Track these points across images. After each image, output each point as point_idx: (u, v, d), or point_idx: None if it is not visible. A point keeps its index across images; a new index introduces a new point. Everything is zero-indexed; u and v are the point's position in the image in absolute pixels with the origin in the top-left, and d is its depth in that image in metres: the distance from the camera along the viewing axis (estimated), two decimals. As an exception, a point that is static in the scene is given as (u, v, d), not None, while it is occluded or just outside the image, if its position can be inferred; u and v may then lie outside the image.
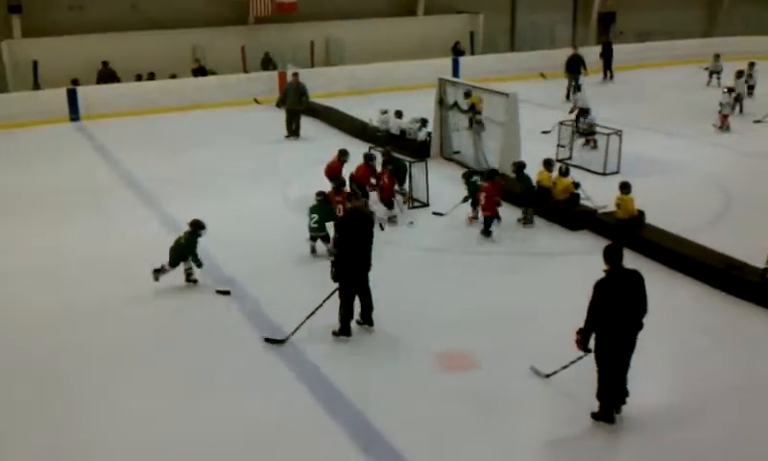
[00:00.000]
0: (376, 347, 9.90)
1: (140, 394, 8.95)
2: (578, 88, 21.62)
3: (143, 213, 15.18)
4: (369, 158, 14.71)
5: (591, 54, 28.36)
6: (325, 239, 12.61)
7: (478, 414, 8.44)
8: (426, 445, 7.94)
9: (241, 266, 12.25)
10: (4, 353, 9.93)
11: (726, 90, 21.51)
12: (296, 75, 21.79)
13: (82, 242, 13.66)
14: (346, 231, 9.93)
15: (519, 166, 14.31)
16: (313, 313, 9.99)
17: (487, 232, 13.33)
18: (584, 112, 19.23)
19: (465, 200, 14.20)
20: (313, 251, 12.69)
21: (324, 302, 10.01)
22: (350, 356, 9.66)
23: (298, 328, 9.97)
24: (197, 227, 11.59)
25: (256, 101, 25.30)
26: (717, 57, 27.37)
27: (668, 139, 19.96)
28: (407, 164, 14.99)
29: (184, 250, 11.53)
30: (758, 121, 21.41)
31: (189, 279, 11.69)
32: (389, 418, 8.31)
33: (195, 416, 8.50)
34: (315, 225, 12.55)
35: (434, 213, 14.37)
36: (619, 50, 31.73)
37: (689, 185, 16.21)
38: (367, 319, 10.24)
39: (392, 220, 14.10)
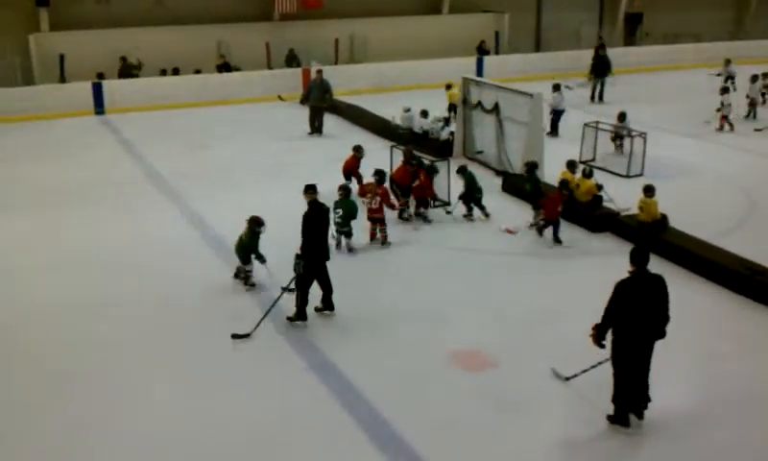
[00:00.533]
0: (395, 344, 9.88)
1: (155, 389, 8.99)
2: (557, 88, 20.71)
3: (165, 207, 15.25)
4: (409, 158, 14.62)
5: (618, 55, 28.17)
6: (348, 235, 12.65)
7: (495, 414, 8.42)
8: (443, 443, 7.92)
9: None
10: (19, 346, 10.03)
11: (723, 91, 21.51)
12: (320, 72, 21.82)
13: (103, 235, 13.73)
14: (311, 224, 10.22)
15: (531, 166, 14.38)
16: (272, 306, 10.33)
17: (557, 239, 13.02)
18: (557, 114, 19.00)
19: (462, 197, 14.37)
20: (338, 245, 12.75)
21: (282, 294, 10.49)
22: (368, 354, 9.64)
23: (260, 323, 10.11)
24: (255, 223, 11.53)
25: (280, 98, 25.33)
26: (728, 61, 26.94)
27: (693, 142, 19.80)
28: (434, 164, 14.93)
29: (248, 247, 11.50)
30: (759, 130, 21.05)
31: (247, 282, 11.59)
32: (406, 416, 8.30)
33: (204, 409, 8.53)
34: (339, 220, 12.61)
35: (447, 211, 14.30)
36: (646, 51, 31.60)
37: (714, 189, 16.07)
38: (328, 304, 10.53)
39: (426, 220, 14.10)
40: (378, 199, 13.07)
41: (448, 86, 20.50)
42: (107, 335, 10.22)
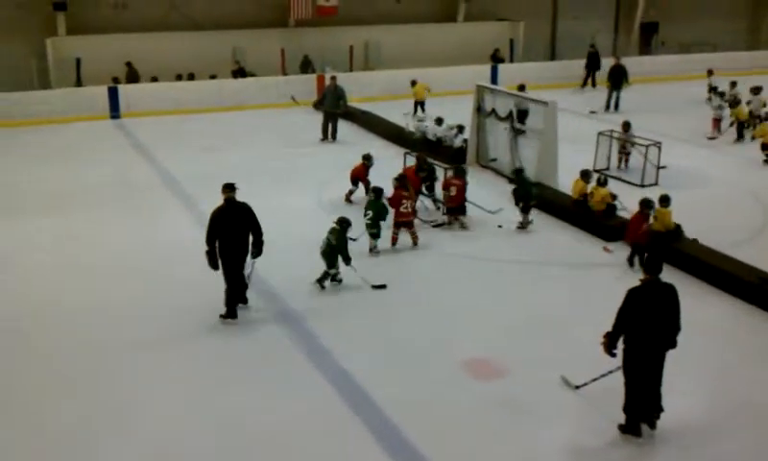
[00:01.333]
0: (405, 350, 9.88)
1: (162, 390, 9.02)
2: (522, 88, 20.76)
3: (179, 211, 15.32)
4: (422, 164, 14.93)
5: (633, 64, 28.12)
6: (375, 236, 12.80)
7: (505, 422, 8.40)
8: (452, 450, 7.91)
9: (275, 266, 12.27)
10: (27, 347, 10.09)
11: (710, 96, 21.87)
12: (334, 78, 21.85)
13: (117, 238, 13.80)
14: (222, 221, 10.43)
15: (518, 171, 14.89)
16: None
17: (631, 262, 12.40)
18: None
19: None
20: (372, 249, 12.93)
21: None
22: (380, 360, 9.64)
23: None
24: (344, 223, 11.66)
25: (293, 99, 25.22)
26: (710, 73, 26.47)
27: (707, 152, 19.71)
28: (444, 170, 14.96)
29: (337, 249, 11.52)
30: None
31: (335, 278, 11.70)
32: (415, 421, 8.30)
33: (212, 411, 8.54)
34: (369, 221, 12.75)
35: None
36: (661, 61, 31.48)
37: (728, 199, 15.99)
38: (241, 299, 10.78)
39: (463, 226, 14.10)
40: (411, 203, 13.17)
41: (413, 83, 20.68)
42: (117, 337, 10.26)
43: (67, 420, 8.47)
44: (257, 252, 10.61)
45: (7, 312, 11.02)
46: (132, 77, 26.01)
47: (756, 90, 22.08)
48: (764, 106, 21.99)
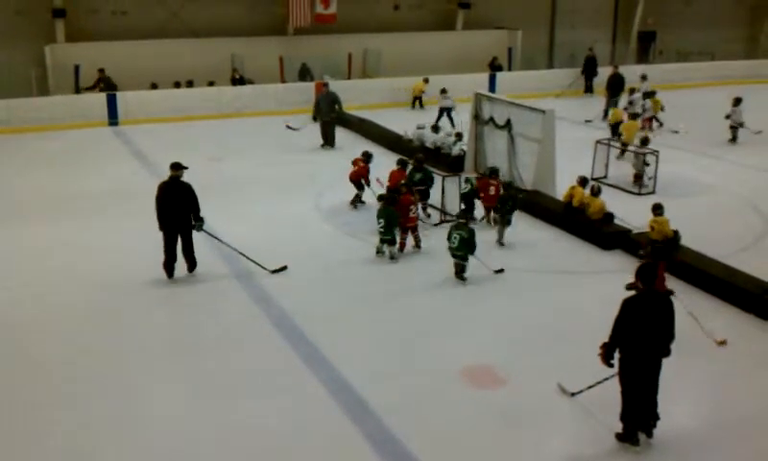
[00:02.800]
0: (405, 358, 9.88)
1: (158, 398, 9.01)
2: (443, 91, 21.87)
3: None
4: (420, 164, 15.06)
5: (631, 73, 28.21)
6: (391, 243, 12.84)
7: (503, 430, 8.39)
8: (450, 459, 7.89)
9: (275, 274, 12.29)
10: (26, 355, 10.05)
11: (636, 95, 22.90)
12: (326, 85, 21.95)
13: (115, 245, 13.79)
14: (164, 195, 11.93)
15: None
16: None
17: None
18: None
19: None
20: (379, 252, 13.01)
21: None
22: (376, 368, 9.62)
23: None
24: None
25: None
26: (644, 77, 26.35)
27: (705, 160, 19.75)
28: (436, 176, 15.00)
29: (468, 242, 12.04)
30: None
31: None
32: (413, 430, 8.28)
33: (213, 421, 8.52)
34: (382, 229, 12.81)
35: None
36: (659, 70, 31.55)
37: (727, 207, 16.02)
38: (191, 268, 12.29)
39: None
40: (416, 208, 13.32)
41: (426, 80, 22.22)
42: (115, 343, 10.23)
43: (67, 428, 8.44)
44: (199, 225, 12.14)
45: (5, 319, 10.99)
46: (107, 85, 25.33)
47: (737, 102, 22.09)
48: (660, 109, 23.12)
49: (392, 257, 12.91)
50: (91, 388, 9.19)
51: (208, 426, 8.42)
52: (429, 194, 15.02)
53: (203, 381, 9.34)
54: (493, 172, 14.99)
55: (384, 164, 16.57)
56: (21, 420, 8.59)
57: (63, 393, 9.13)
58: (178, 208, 11.92)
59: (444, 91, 23.65)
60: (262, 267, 12.24)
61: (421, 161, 15.02)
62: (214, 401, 8.89)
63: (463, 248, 12.02)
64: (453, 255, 12.16)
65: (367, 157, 15.82)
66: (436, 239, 13.63)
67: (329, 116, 21.23)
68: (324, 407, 8.78)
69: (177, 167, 12.04)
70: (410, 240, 13.29)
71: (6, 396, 9.06)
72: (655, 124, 22.98)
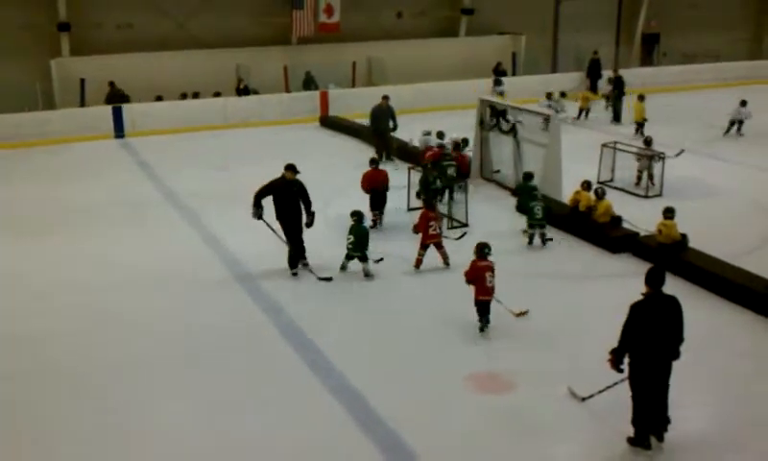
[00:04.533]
0: (412, 366, 9.87)
1: (164, 409, 9.02)
2: (385, 97, 21.19)
3: (184, 229, 15.36)
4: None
5: (635, 76, 28.27)
6: (362, 259, 12.63)
7: (513, 436, 8.37)
8: (461, 467, 7.89)
9: (281, 283, 12.30)
10: (41, 366, 10.07)
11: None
12: (386, 98, 21.06)
13: (123, 257, 13.81)
14: (269, 191, 12.73)
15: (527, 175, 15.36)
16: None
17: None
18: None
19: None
20: (343, 268, 12.76)
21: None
22: (385, 376, 9.63)
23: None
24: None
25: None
26: (558, 94, 26.03)
27: (712, 162, 19.71)
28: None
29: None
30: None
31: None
32: (422, 438, 8.27)
33: (219, 431, 8.53)
34: (350, 246, 12.60)
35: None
36: (664, 72, 31.54)
37: (733, 209, 15.97)
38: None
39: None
40: (438, 223, 12.85)
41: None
42: (122, 355, 10.26)
43: (78, 438, 8.47)
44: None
45: (17, 331, 11.03)
46: (115, 97, 25.50)
47: (744, 103, 22.57)
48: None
49: (366, 275, 12.58)
50: (97, 400, 9.22)
51: (215, 437, 8.42)
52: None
53: (209, 391, 9.34)
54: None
55: (390, 172, 16.58)
56: (29, 432, 8.62)
57: (70, 405, 9.15)
58: (294, 206, 12.61)
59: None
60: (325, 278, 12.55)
61: (435, 173, 15.14)
62: (221, 411, 8.88)
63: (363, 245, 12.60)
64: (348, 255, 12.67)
65: (374, 162, 15.82)
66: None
67: (385, 129, 20.61)
68: (332, 415, 8.78)
69: (293, 169, 12.76)
70: (437, 256, 12.83)
71: (14, 407, 9.09)
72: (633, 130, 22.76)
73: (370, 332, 10.78)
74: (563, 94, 25.90)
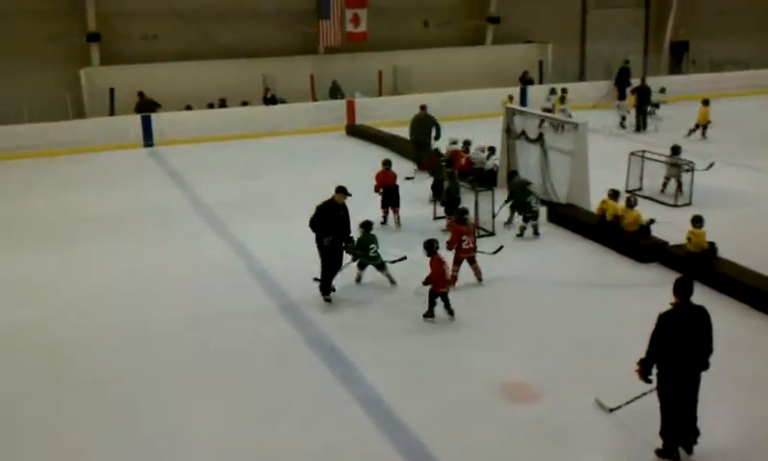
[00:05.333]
0: (440, 376, 9.83)
1: (194, 418, 9.05)
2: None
3: (212, 237, 15.45)
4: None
5: (664, 84, 28.01)
6: (380, 268, 12.60)
7: (540, 446, 8.31)
8: (487, 477, 7.84)
9: (309, 293, 12.32)
10: (69, 374, 10.15)
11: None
12: (423, 108, 20.95)
13: (151, 265, 13.93)
14: (322, 217, 12.09)
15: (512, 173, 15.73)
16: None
17: None
18: None
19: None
20: (358, 279, 12.78)
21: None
22: (413, 384, 9.61)
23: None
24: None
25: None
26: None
27: (741, 171, 19.48)
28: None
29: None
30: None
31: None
32: (448, 447, 8.24)
33: (249, 441, 8.54)
34: (375, 254, 12.58)
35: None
36: (693, 80, 31.30)
37: (763, 217, 15.76)
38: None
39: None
40: (472, 238, 12.57)
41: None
42: (147, 363, 10.33)
43: (107, 447, 8.52)
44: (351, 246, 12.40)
45: (45, 339, 11.14)
46: (144, 107, 25.72)
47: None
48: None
49: (390, 282, 12.60)
50: (129, 407, 9.27)
51: (245, 447, 8.44)
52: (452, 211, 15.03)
53: (239, 401, 9.36)
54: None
55: (418, 181, 16.64)
56: (62, 438, 8.69)
57: (102, 411, 9.21)
58: (336, 229, 12.06)
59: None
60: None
61: (456, 186, 15.14)
62: (250, 422, 8.90)
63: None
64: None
65: (387, 163, 16.40)
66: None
67: (424, 139, 20.39)
68: (360, 425, 8.76)
69: (344, 192, 12.35)
70: (469, 271, 12.62)
71: (46, 413, 9.16)
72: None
73: (398, 343, 10.74)
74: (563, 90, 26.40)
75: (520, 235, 14.76)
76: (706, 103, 23.54)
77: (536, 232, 14.86)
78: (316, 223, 12.08)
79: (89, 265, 14.07)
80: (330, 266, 12.10)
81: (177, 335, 11.16)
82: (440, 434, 8.49)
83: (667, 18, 35.06)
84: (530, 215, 14.80)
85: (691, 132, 23.32)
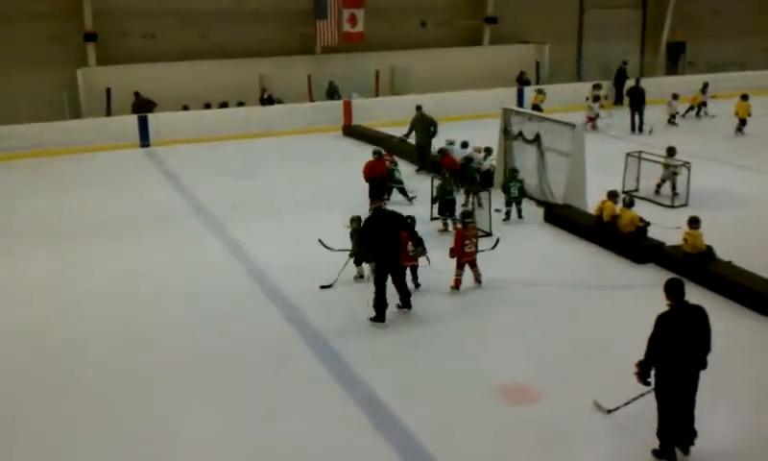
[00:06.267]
0: (439, 377, 9.84)
1: (191, 418, 9.04)
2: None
3: (208, 238, 15.44)
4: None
5: (660, 85, 28.06)
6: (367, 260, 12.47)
7: (539, 448, 8.31)
8: (485, 478, 7.85)
9: (307, 294, 12.32)
10: (67, 376, 10.14)
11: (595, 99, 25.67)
12: (419, 108, 20.99)
13: (148, 266, 13.92)
14: (371, 229, 11.27)
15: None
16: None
17: None
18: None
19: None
20: (360, 275, 12.76)
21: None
22: (412, 386, 9.61)
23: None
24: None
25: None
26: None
27: (738, 171, 19.53)
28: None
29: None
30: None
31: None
32: (447, 449, 8.25)
33: (246, 441, 8.54)
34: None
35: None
36: (690, 81, 31.30)
37: (761, 219, 15.79)
38: (405, 303, 11.47)
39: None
40: (475, 240, 12.52)
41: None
42: (146, 364, 10.32)
43: (106, 449, 8.51)
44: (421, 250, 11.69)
45: (43, 341, 11.13)
46: (140, 107, 25.60)
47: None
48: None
49: (360, 276, 12.68)
50: (125, 408, 9.26)
51: (242, 447, 8.44)
52: (455, 211, 15.18)
53: (238, 402, 9.35)
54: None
55: (414, 181, 16.63)
56: (61, 438, 8.69)
57: (97, 413, 9.21)
58: (388, 240, 11.17)
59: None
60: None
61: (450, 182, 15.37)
62: (248, 421, 8.90)
63: None
64: None
65: (378, 153, 17.01)
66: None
67: (424, 140, 20.46)
68: (359, 426, 8.77)
69: (378, 197, 12.11)
70: (469, 274, 12.55)
71: (40, 414, 9.15)
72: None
73: (397, 344, 10.74)
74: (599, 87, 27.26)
75: (506, 219, 15.73)
76: (745, 98, 24.11)
77: (519, 214, 15.90)
78: (366, 242, 11.39)
79: (89, 266, 14.05)
80: (394, 280, 11.31)
81: (176, 336, 11.14)
82: (439, 435, 8.49)
83: (664, 19, 35.11)
84: (510, 199, 15.79)
85: (739, 129, 23.88)
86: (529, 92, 28.89)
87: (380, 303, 11.08)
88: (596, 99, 26.13)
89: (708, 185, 17.30)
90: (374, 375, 9.78)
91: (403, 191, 17.25)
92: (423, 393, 9.46)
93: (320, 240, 12.77)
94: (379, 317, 11.09)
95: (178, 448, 8.48)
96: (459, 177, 16.91)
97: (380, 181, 16.32)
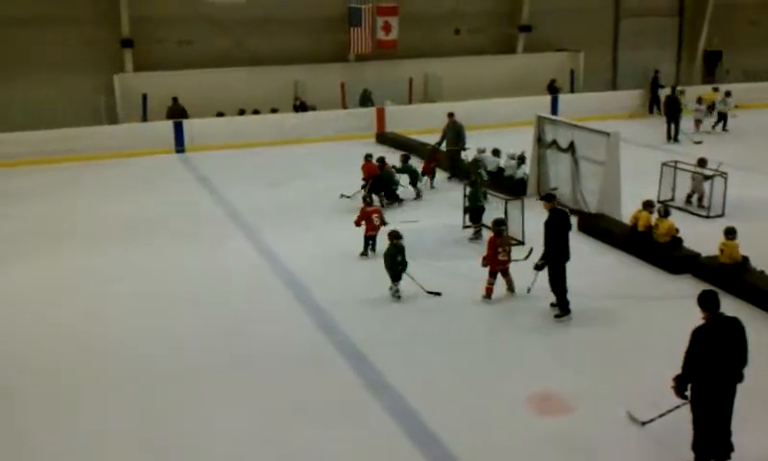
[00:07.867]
0: (471, 386, 9.80)
1: (220, 422, 9.07)
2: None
3: (241, 242, 15.55)
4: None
5: (696, 93, 27.77)
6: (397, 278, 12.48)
7: (571, 459, 8.24)
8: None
9: (338, 301, 12.35)
10: (97, 376, 10.25)
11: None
12: (451, 115, 20.92)
13: (181, 270, 14.04)
14: (551, 229, 11.52)
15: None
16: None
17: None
18: None
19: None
20: (396, 292, 12.53)
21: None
22: (441, 396, 9.58)
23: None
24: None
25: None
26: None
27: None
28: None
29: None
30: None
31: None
32: (479, 459, 8.20)
33: (276, 447, 8.56)
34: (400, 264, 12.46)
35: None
36: (726, 89, 30.97)
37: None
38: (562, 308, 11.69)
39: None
40: (508, 248, 12.51)
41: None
42: (179, 367, 10.43)
43: (133, 450, 8.58)
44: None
45: (75, 341, 11.27)
46: (176, 113, 25.88)
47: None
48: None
49: (398, 297, 12.45)
50: (153, 412, 9.34)
51: (272, 453, 8.46)
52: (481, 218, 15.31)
53: (266, 407, 9.39)
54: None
55: (447, 189, 16.58)
56: (82, 442, 8.78)
57: (127, 409, 9.33)
58: (563, 241, 11.59)
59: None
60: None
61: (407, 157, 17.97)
62: (277, 427, 8.92)
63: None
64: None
65: (369, 157, 18.03)
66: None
67: (454, 147, 20.44)
68: (389, 434, 8.75)
69: (550, 198, 12.02)
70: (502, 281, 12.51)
71: (68, 414, 9.27)
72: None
73: (428, 352, 10.72)
74: (727, 93, 27.51)
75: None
76: None
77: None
78: (554, 247, 11.52)
79: (118, 269, 14.21)
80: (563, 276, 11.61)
81: (207, 338, 11.23)
82: (469, 444, 8.45)
83: (701, 28, 34.72)
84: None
85: None
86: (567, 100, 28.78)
87: (563, 297, 11.56)
88: (711, 106, 26.58)
89: (745, 196, 17.08)
90: (405, 383, 9.76)
91: (393, 192, 18.05)
92: (454, 402, 9.42)
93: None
94: (566, 310, 11.57)
95: (207, 449, 8.54)
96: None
97: (378, 178, 17.70)
